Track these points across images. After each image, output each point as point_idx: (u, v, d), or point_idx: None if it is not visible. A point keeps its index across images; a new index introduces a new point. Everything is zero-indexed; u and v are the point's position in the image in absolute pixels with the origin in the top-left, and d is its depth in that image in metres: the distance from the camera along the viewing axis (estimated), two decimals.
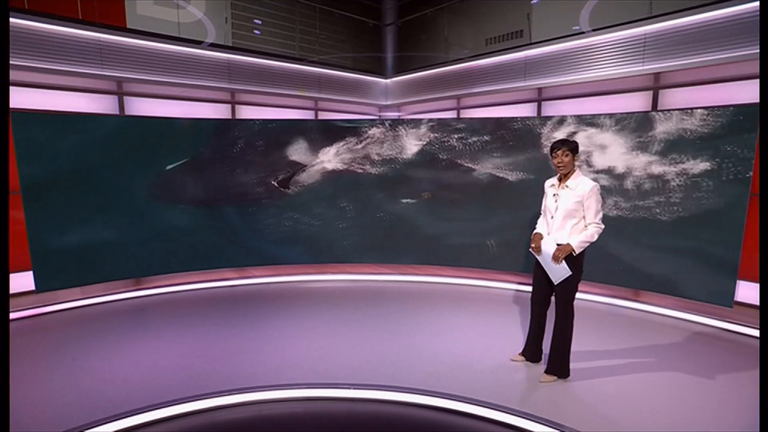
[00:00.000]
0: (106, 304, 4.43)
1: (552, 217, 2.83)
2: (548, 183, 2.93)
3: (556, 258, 2.72)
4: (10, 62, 3.59)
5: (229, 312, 4.20)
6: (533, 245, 2.86)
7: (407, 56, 6.76)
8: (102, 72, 4.17)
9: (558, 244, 2.75)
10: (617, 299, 4.45)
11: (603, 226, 2.73)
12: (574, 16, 4.65)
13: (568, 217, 2.74)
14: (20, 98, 4.25)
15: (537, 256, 2.88)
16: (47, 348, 3.44)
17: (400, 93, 6.45)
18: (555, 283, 2.81)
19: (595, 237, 2.70)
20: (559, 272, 2.75)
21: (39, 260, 4.23)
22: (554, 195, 2.84)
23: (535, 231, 2.95)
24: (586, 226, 2.74)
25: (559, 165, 2.77)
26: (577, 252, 2.71)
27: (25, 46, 3.80)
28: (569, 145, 2.75)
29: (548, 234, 2.84)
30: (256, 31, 5.79)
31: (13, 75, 3.92)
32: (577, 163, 2.80)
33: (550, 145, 2.87)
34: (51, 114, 4.23)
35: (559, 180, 2.84)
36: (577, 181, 2.75)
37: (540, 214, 3.01)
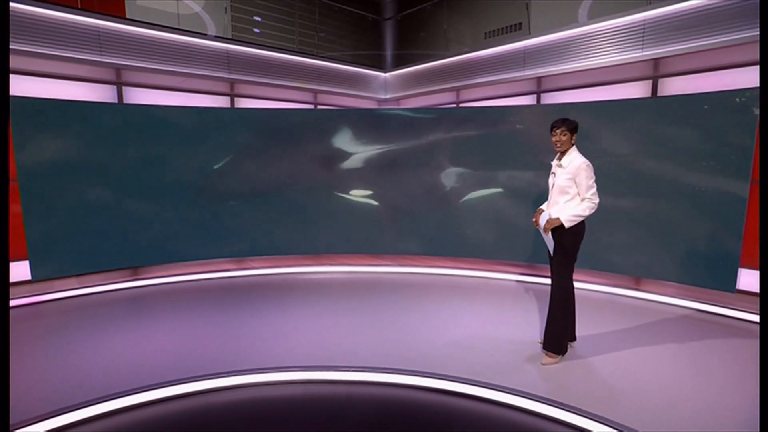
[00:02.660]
0: (103, 293, 4.40)
1: (550, 194, 2.95)
2: (553, 162, 3.00)
3: (545, 230, 2.84)
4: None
5: (227, 301, 4.17)
6: (533, 220, 2.98)
7: (407, 48, 6.78)
8: (100, 59, 4.15)
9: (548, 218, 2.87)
10: (618, 288, 4.43)
11: (597, 201, 2.77)
12: (573, 7, 4.66)
13: (562, 193, 2.84)
14: (18, 86, 4.23)
15: (540, 230, 2.96)
16: (42, 333, 3.41)
17: (399, 86, 6.45)
18: (552, 254, 2.92)
19: (587, 212, 2.76)
20: (550, 243, 2.89)
21: (36, 248, 4.20)
22: (552, 172, 2.94)
23: (539, 207, 3.04)
24: (581, 201, 2.80)
25: (557, 143, 2.84)
26: (567, 225, 2.77)
27: (22, 30, 3.78)
28: (568, 125, 2.81)
29: (547, 209, 2.94)
30: (256, 30, 5.79)
31: (11, 61, 3.90)
32: (573, 141, 2.84)
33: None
34: (51, 101, 4.20)
35: (558, 158, 2.91)
36: (570, 158, 2.82)
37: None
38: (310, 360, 2.94)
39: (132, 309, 3.99)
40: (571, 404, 2.39)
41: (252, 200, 5.21)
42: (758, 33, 3.31)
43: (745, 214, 3.77)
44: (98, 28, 4.13)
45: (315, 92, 5.95)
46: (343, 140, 5.27)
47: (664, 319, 3.72)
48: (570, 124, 2.80)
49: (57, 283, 4.50)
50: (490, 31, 5.91)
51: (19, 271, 4.29)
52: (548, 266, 3.09)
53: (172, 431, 2.20)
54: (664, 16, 3.79)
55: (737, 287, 3.89)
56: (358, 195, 5.37)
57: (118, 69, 4.36)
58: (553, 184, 2.90)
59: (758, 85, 3.61)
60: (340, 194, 5.36)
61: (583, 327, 3.33)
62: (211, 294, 4.40)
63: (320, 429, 2.24)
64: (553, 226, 2.80)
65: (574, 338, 3.12)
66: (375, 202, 5.38)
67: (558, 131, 2.81)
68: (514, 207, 4.88)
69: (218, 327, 3.52)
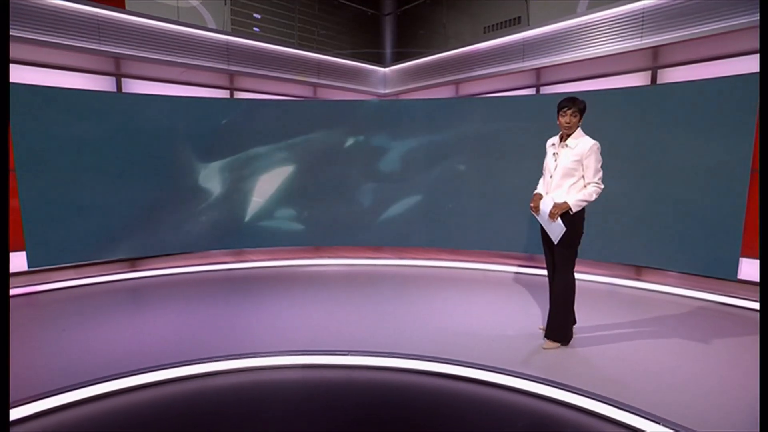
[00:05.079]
0: (101, 284, 4.37)
1: (551, 177, 2.79)
2: (549, 142, 2.90)
3: (552, 215, 2.68)
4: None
5: (226, 291, 4.15)
6: (532, 205, 2.83)
7: (406, 44, 6.80)
8: (99, 47, 4.13)
9: (554, 203, 2.72)
10: (619, 278, 4.41)
11: (602, 186, 2.70)
12: (571, 6, 4.67)
13: (567, 176, 2.71)
14: (17, 76, 4.21)
15: (536, 216, 2.85)
16: (38, 320, 3.38)
17: (398, 81, 6.45)
18: (555, 242, 2.78)
19: (594, 196, 2.67)
20: (555, 230, 2.72)
21: (32, 236, 4.17)
22: (554, 154, 2.80)
23: (535, 191, 2.91)
24: (585, 186, 2.71)
25: (567, 125, 2.71)
26: (574, 210, 2.67)
27: (21, 17, 3.76)
28: (579, 105, 2.70)
29: (547, 193, 2.81)
30: (256, 29, 5.80)
31: (11, 50, 3.88)
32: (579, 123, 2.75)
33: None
34: (50, 88, 4.18)
35: (560, 139, 2.81)
36: (578, 140, 2.71)
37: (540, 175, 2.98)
38: (310, 346, 2.91)
39: (130, 299, 3.96)
40: (573, 384, 2.36)
41: (251, 193, 5.19)
42: (758, 18, 3.31)
43: (745, 204, 3.76)
44: (97, 16, 4.12)
45: (314, 86, 5.94)
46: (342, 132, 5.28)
47: (665, 308, 3.70)
48: (579, 104, 2.70)
49: (54, 274, 4.47)
50: (489, 26, 5.93)
51: (16, 261, 4.25)
52: (542, 256, 3.00)
53: (169, 414, 2.17)
54: (663, 3, 3.80)
55: (738, 277, 3.88)
56: (358, 187, 5.36)
57: (117, 59, 4.34)
58: (556, 167, 2.75)
59: (758, 71, 3.61)
60: (340, 187, 5.35)
61: (584, 316, 3.31)
62: (209, 285, 4.37)
63: (319, 413, 2.20)
64: (562, 211, 2.66)
65: (574, 321, 3.08)
66: (373, 194, 5.36)
67: (568, 112, 2.68)
68: (510, 196, 4.87)
69: (217, 315, 3.49)
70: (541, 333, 3.08)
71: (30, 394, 2.22)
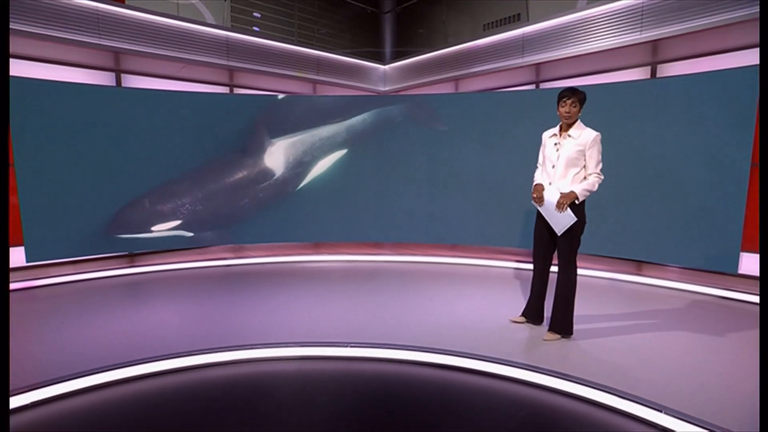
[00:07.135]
0: (99, 279, 4.35)
1: (553, 167, 2.79)
2: (547, 133, 2.89)
3: (560, 205, 2.65)
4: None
5: (224, 286, 4.13)
6: (535, 195, 2.80)
7: (405, 42, 6.82)
8: (99, 41, 4.13)
9: (561, 193, 2.71)
10: (619, 274, 4.41)
11: (603, 177, 2.72)
12: (570, 5, 4.68)
13: (570, 165, 2.72)
14: (16, 71, 4.21)
15: (539, 207, 2.82)
16: (36, 314, 3.36)
17: (398, 78, 6.46)
18: (559, 234, 2.76)
19: (596, 186, 2.69)
20: (563, 220, 2.70)
21: (31, 230, 4.15)
22: (555, 144, 2.80)
23: (535, 182, 2.89)
24: (585, 177, 2.72)
25: (567, 114, 2.71)
26: (580, 199, 2.69)
27: (20, 11, 3.76)
28: (579, 96, 2.71)
29: (550, 184, 2.79)
30: (256, 28, 5.81)
31: (11, 44, 3.87)
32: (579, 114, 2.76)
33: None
34: (49, 82, 4.18)
35: (560, 129, 2.81)
36: (580, 130, 2.73)
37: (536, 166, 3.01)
38: (309, 337, 2.90)
39: (128, 293, 3.95)
40: (575, 374, 2.35)
41: (247, 187, 5.19)
42: (758, 10, 3.31)
43: (745, 198, 3.76)
44: (97, 10, 4.11)
45: (314, 83, 5.94)
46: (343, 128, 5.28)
47: (666, 302, 3.70)
48: (579, 95, 2.71)
49: (52, 269, 4.45)
50: (488, 23, 5.95)
51: (14, 256, 4.24)
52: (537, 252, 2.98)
53: (166, 404, 2.15)
54: None
55: (738, 272, 3.88)
56: (359, 183, 5.36)
57: (116, 53, 4.34)
58: (559, 157, 2.75)
59: (758, 64, 3.62)
60: (339, 182, 5.35)
61: (585, 310, 3.31)
62: (208, 280, 4.36)
63: (317, 404, 2.18)
64: (570, 201, 2.64)
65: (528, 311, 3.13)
66: (371, 189, 5.36)
67: (568, 101, 2.69)
68: (510, 192, 4.87)
69: (215, 309, 3.48)
70: (523, 326, 3.07)
71: (29, 384, 2.20)
